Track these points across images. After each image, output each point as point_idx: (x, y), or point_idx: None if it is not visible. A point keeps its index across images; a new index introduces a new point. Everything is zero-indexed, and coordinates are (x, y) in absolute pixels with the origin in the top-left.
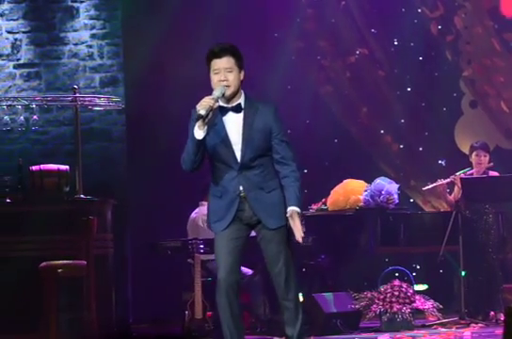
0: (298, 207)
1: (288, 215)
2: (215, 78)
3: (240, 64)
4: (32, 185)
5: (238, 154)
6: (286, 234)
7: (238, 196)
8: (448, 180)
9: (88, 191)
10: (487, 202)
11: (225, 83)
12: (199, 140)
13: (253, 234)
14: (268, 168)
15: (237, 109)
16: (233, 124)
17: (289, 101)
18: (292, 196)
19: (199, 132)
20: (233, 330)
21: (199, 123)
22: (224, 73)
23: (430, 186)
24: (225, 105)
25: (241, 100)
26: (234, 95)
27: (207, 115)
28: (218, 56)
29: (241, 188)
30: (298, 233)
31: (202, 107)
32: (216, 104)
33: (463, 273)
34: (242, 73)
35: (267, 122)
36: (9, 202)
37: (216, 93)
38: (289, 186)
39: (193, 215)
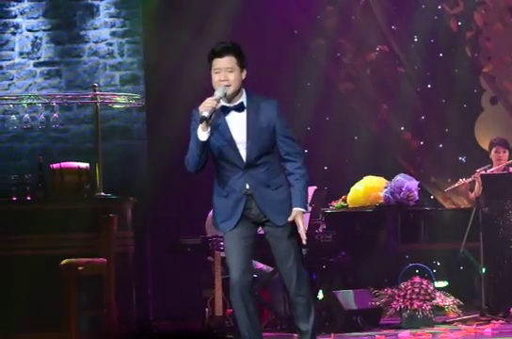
0: (303, 207)
1: (291, 216)
2: (215, 77)
3: (242, 63)
4: (52, 184)
5: (243, 154)
6: (295, 231)
7: (244, 194)
8: (470, 179)
9: (108, 189)
10: (507, 199)
11: (225, 83)
12: (203, 142)
13: (262, 231)
14: (273, 165)
15: (240, 108)
16: (237, 124)
17: (309, 98)
18: (296, 195)
19: (202, 133)
20: (250, 329)
21: (202, 125)
22: (225, 73)
23: (452, 187)
24: (227, 105)
25: (243, 99)
26: (236, 94)
27: (210, 116)
28: (220, 55)
29: (247, 187)
30: (302, 234)
31: (205, 109)
32: (219, 105)
33: (483, 270)
34: (244, 73)
35: (271, 120)
36: (30, 200)
37: (218, 94)
38: (294, 184)
39: (211, 213)
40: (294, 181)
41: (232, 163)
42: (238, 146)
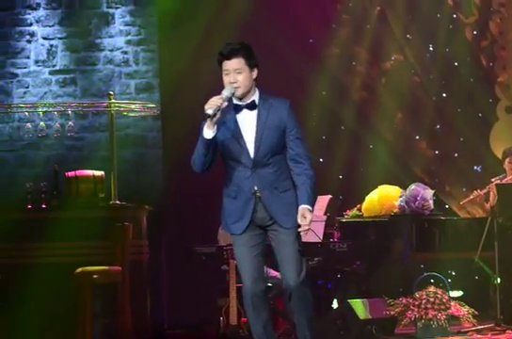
0: (310, 205)
1: (300, 213)
2: (225, 79)
3: (251, 63)
4: (68, 192)
5: (252, 151)
6: (299, 236)
7: (253, 195)
8: (485, 190)
9: (123, 197)
10: None
11: (235, 84)
12: (208, 140)
13: None
14: (282, 167)
15: (251, 106)
16: (247, 122)
17: (324, 107)
18: (303, 194)
19: (207, 131)
20: (264, 338)
21: (207, 123)
22: (233, 75)
23: (467, 200)
24: (239, 103)
25: (255, 97)
26: (248, 93)
27: (215, 114)
28: (227, 57)
29: (256, 188)
30: (304, 227)
31: (209, 107)
32: (225, 104)
33: (498, 280)
34: (254, 72)
35: (282, 119)
36: (45, 208)
37: (225, 93)
38: (301, 185)
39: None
40: (301, 181)
41: (240, 162)
42: (247, 144)
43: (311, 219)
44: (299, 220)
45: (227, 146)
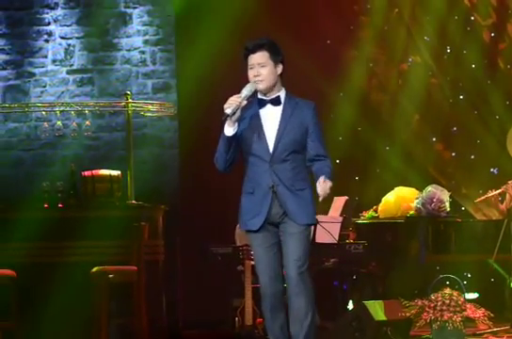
0: (330, 179)
1: (320, 180)
2: (250, 73)
3: (276, 58)
4: (84, 191)
5: (271, 146)
6: (310, 235)
7: (270, 190)
8: (500, 190)
9: (139, 197)
10: None
11: (258, 78)
12: (229, 137)
13: None
14: (300, 166)
15: (276, 102)
16: (270, 116)
17: (341, 108)
18: (324, 170)
19: (228, 129)
20: None
21: (227, 121)
22: (258, 68)
23: (482, 198)
24: (264, 98)
25: (280, 93)
26: (272, 89)
27: (234, 113)
28: (252, 51)
29: (273, 183)
30: (326, 190)
31: (228, 106)
32: (244, 103)
33: None
34: (279, 68)
35: (305, 119)
36: (61, 208)
37: (245, 92)
38: (324, 168)
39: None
40: (323, 169)
41: (259, 156)
42: (267, 138)
43: (330, 186)
44: (318, 184)
45: (246, 139)
